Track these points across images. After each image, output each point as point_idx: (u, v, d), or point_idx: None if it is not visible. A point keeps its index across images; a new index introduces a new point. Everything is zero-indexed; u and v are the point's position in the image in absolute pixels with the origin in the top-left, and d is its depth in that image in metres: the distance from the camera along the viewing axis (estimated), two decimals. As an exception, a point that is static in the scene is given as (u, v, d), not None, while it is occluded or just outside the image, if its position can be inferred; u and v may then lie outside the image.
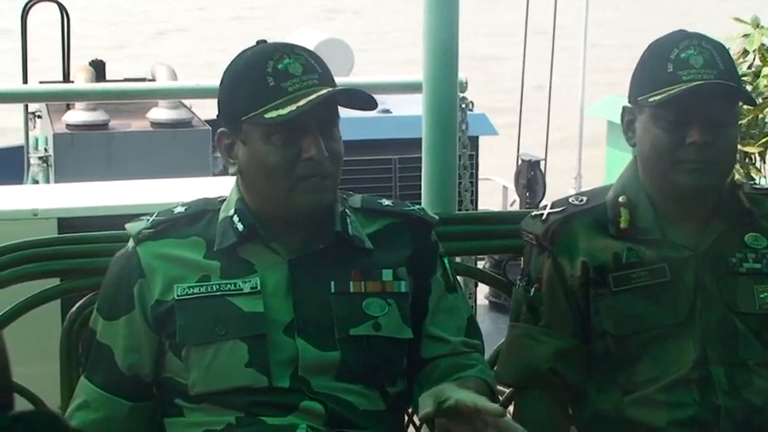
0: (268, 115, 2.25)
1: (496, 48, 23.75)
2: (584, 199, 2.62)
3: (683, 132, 2.46)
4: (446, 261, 2.49)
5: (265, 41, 2.37)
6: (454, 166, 3.04)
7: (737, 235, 2.55)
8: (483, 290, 7.73)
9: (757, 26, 6.16)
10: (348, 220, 2.40)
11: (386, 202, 2.49)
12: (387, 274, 2.38)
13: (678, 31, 2.53)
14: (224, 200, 2.42)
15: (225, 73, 2.36)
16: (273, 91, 2.26)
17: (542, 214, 2.61)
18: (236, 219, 2.35)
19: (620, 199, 2.56)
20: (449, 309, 2.45)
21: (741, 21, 6.24)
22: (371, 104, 2.32)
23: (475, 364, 2.40)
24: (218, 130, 2.37)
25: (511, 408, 2.79)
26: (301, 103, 2.23)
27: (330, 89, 2.27)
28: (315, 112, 2.25)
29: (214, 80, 4.59)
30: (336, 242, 2.36)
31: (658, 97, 2.45)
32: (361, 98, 2.33)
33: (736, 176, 4.94)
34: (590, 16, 9.96)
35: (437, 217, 2.53)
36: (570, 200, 2.63)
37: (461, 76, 3.11)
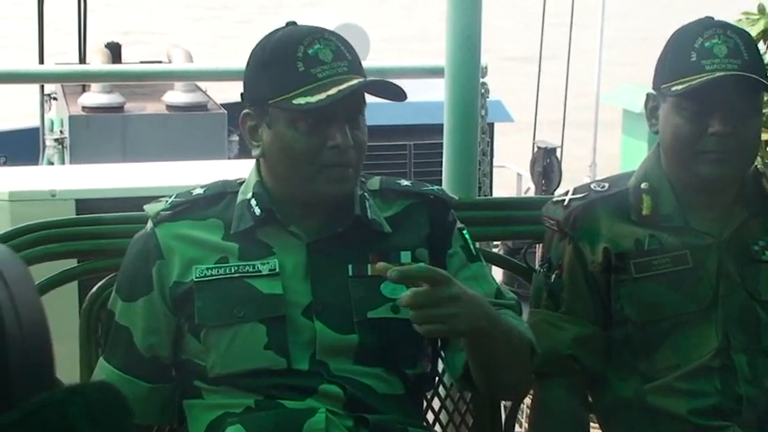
0: (296, 101, 2.23)
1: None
2: (606, 185, 2.61)
3: (704, 122, 2.44)
4: (466, 234, 2.46)
5: (295, 23, 2.35)
6: (475, 151, 3.03)
7: (760, 223, 2.54)
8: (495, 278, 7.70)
9: (763, 13, 6.12)
10: (367, 204, 2.38)
11: (404, 182, 2.48)
12: (405, 256, 2.37)
13: (704, 19, 2.51)
14: (243, 182, 2.41)
15: (253, 53, 2.33)
16: (303, 76, 2.24)
17: (564, 200, 2.60)
18: (253, 202, 2.34)
19: (643, 185, 2.55)
20: (472, 277, 2.40)
21: (749, 14, 6.21)
22: (401, 96, 2.28)
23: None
24: (243, 111, 2.35)
25: (528, 399, 2.79)
26: (332, 91, 2.21)
27: (361, 80, 2.25)
28: (343, 100, 2.23)
29: (230, 63, 4.61)
30: (355, 225, 2.35)
31: (680, 87, 2.44)
32: (391, 89, 2.30)
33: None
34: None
35: (456, 196, 2.52)
36: (592, 186, 2.62)
37: (482, 61, 3.10)
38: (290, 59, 2.25)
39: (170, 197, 2.40)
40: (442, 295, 2.07)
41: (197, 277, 2.31)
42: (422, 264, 2.12)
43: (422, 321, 2.08)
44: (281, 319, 2.28)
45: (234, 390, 2.28)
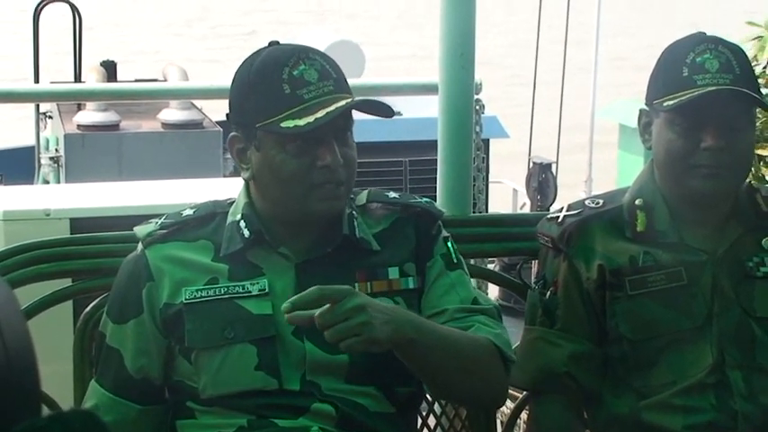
0: (284, 124, 2.22)
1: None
2: (601, 202, 2.60)
3: (697, 137, 2.44)
4: (449, 243, 2.45)
5: (278, 43, 2.35)
6: (469, 167, 3.03)
7: (754, 239, 2.54)
8: (491, 294, 7.70)
9: None
10: (355, 223, 2.38)
11: (392, 194, 2.47)
12: (393, 272, 2.36)
13: (696, 34, 2.51)
14: (233, 202, 2.41)
15: (237, 75, 2.33)
16: (289, 99, 2.23)
17: (558, 217, 2.59)
18: (242, 224, 2.34)
19: (637, 202, 2.55)
20: (450, 284, 2.39)
21: (754, 24, 6.20)
22: (389, 112, 2.29)
23: (472, 324, 2.33)
24: (230, 135, 2.35)
25: (524, 414, 2.78)
26: (319, 114, 2.21)
27: (348, 100, 2.25)
28: (331, 120, 2.23)
29: (226, 81, 4.59)
30: (344, 245, 2.35)
31: (672, 102, 2.44)
32: (379, 107, 2.30)
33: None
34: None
35: (444, 210, 2.51)
36: (586, 202, 2.62)
37: (476, 77, 3.10)
38: (276, 82, 2.24)
39: (160, 218, 2.40)
40: (344, 308, 2.06)
41: (187, 299, 2.31)
42: (312, 288, 2.10)
43: (336, 339, 2.07)
44: (271, 339, 2.28)
45: (226, 410, 2.28)
